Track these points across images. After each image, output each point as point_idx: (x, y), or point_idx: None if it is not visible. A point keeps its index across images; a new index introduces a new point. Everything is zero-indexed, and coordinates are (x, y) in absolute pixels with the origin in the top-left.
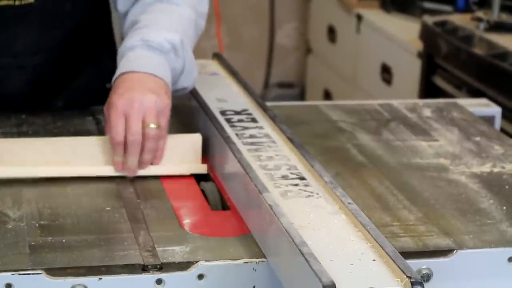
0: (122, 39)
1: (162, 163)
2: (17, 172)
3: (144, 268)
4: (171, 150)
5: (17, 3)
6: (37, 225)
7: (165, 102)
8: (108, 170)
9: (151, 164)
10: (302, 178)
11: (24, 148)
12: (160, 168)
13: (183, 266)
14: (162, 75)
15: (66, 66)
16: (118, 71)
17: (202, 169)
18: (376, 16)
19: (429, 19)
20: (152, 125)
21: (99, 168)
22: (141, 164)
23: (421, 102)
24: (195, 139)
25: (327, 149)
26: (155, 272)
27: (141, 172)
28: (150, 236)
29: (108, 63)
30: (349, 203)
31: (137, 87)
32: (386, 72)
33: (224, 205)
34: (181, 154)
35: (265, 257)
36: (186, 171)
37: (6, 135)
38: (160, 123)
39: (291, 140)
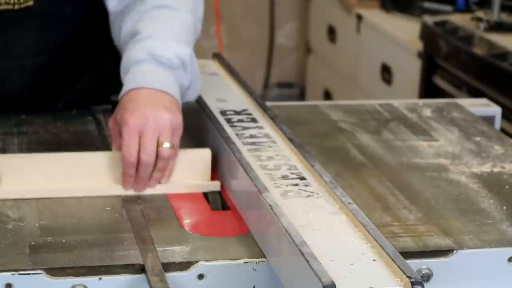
0: (114, 43)
1: (172, 179)
2: (17, 194)
3: (144, 268)
4: (180, 166)
5: (16, 7)
6: (37, 225)
7: (179, 120)
8: (115, 189)
9: (159, 182)
10: (302, 178)
11: (25, 164)
12: (171, 187)
13: (183, 266)
14: (172, 92)
15: (66, 68)
16: (126, 87)
17: (215, 186)
18: (376, 16)
19: (429, 19)
20: (167, 144)
21: (104, 187)
22: (149, 181)
23: (421, 102)
24: (205, 154)
25: (327, 149)
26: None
27: (150, 191)
28: (158, 259)
29: (108, 65)
30: (349, 203)
31: (150, 104)
32: (386, 72)
33: (224, 205)
34: (190, 170)
35: (265, 257)
36: (198, 190)
37: (6, 135)
38: (174, 142)
39: (291, 140)
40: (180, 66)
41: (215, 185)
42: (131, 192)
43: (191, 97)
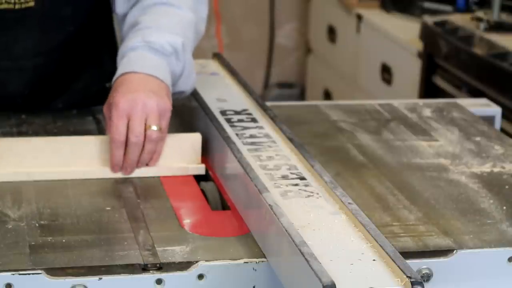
0: (122, 41)
1: (161, 162)
2: (15, 176)
3: (144, 268)
4: (171, 150)
5: (17, 6)
6: (37, 225)
7: (167, 104)
8: (107, 172)
9: (147, 165)
10: (302, 178)
11: (23, 147)
12: (157, 169)
13: (183, 266)
14: (163, 77)
15: (66, 68)
16: (119, 71)
17: (200, 170)
18: (376, 16)
19: (429, 19)
20: (154, 127)
21: (98, 170)
22: (137, 164)
23: (421, 102)
24: (195, 138)
25: (327, 149)
26: (155, 272)
27: (138, 173)
28: (150, 235)
29: (109, 65)
30: (349, 203)
31: (140, 88)
32: (386, 72)
33: (224, 205)
34: (181, 154)
35: (265, 257)
36: (184, 172)
37: (6, 135)
38: (162, 125)
39: (291, 140)
40: (173, 53)
41: (201, 169)
42: (119, 175)
43: (186, 86)
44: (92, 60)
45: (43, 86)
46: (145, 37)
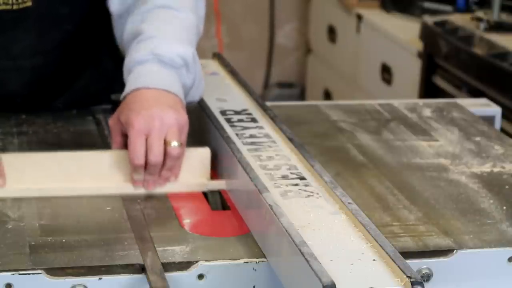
0: (120, 46)
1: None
2: (18, 192)
3: (141, 267)
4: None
5: (14, 7)
6: (37, 225)
7: (185, 118)
8: (115, 188)
9: (169, 180)
10: (302, 178)
11: (26, 162)
12: (175, 186)
13: (183, 266)
14: (176, 91)
15: (65, 67)
16: (129, 87)
17: (219, 185)
18: (376, 16)
19: (429, 19)
20: (175, 143)
21: (104, 186)
22: (159, 180)
23: (421, 102)
24: (204, 153)
25: (327, 149)
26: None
27: (157, 190)
28: (158, 258)
29: (108, 64)
30: (349, 203)
31: (154, 104)
32: (386, 72)
33: (224, 205)
34: (190, 168)
35: (265, 257)
36: (202, 188)
37: (6, 135)
38: (182, 141)
39: (291, 140)
40: (183, 65)
41: (220, 184)
42: (130, 191)
43: (195, 97)
44: (92, 59)
45: (42, 86)
46: (153, 49)
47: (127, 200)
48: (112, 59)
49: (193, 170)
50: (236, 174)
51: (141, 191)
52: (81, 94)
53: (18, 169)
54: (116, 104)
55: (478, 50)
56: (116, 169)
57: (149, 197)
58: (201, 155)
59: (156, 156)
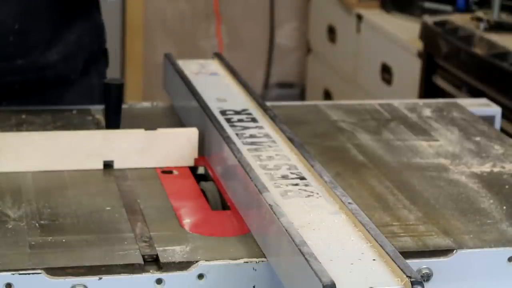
0: None
1: (158, 158)
2: (14, 166)
3: (141, 267)
4: (168, 144)
5: None
6: (37, 225)
7: None
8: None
9: None
10: (302, 178)
11: (22, 141)
12: (163, 161)
13: (183, 266)
14: None
15: (56, 17)
16: None
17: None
18: (376, 16)
19: (429, 19)
20: None
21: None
22: None
23: (421, 102)
24: (192, 133)
25: (327, 149)
26: (155, 271)
27: (138, 164)
28: (147, 227)
29: (98, 17)
30: (349, 203)
31: None
32: (386, 72)
33: (224, 205)
34: (178, 149)
35: (265, 257)
36: (189, 163)
37: None
38: None
39: (291, 140)
40: None
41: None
42: (119, 165)
43: None
44: (82, 13)
45: (33, 24)
46: None
47: (120, 182)
48: (100, 14)
49: (181, 148)
50: (236, 173)
51: (130, 165)
52: (75, 46)
53: (13, 146)
54: (108, 88)
55: (478, 50)
56: (111, 147)
57: (148, 197)
58: (189, 134)
59: None
